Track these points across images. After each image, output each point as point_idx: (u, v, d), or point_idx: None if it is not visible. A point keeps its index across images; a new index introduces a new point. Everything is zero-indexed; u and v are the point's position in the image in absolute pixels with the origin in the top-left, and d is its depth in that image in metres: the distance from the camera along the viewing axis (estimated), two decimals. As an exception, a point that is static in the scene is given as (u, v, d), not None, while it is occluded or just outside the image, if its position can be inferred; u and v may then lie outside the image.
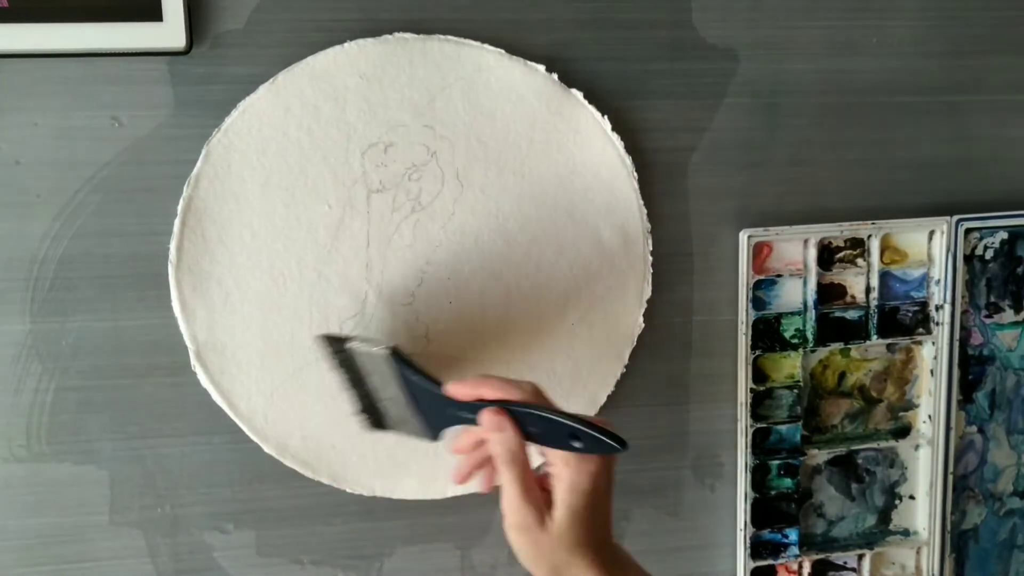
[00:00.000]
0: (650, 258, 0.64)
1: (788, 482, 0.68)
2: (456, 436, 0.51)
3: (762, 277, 0.66)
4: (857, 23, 0.65)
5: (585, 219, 0.62)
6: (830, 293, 0.67)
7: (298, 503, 0.62)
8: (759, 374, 0.67)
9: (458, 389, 0.49)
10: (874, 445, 0.69)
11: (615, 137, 0.62)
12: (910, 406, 0.70)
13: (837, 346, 0.67)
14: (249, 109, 0.58)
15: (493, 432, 0.48)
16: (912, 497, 0.71)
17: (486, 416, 0.48)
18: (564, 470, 0.47)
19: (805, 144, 0.66)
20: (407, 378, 0.52)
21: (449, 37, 0.60)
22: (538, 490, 0.47)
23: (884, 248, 0.67)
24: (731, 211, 0.65)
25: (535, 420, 0.47)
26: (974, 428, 0.71)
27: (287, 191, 0.59)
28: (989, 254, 0.69)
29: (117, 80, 0.57)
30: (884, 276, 0.67)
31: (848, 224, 0.66)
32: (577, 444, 0.46)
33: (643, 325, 0.64)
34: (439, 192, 0.61)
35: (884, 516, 0.71)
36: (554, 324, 0.63)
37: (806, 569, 0.69)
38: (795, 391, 0.67)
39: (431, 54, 0.60)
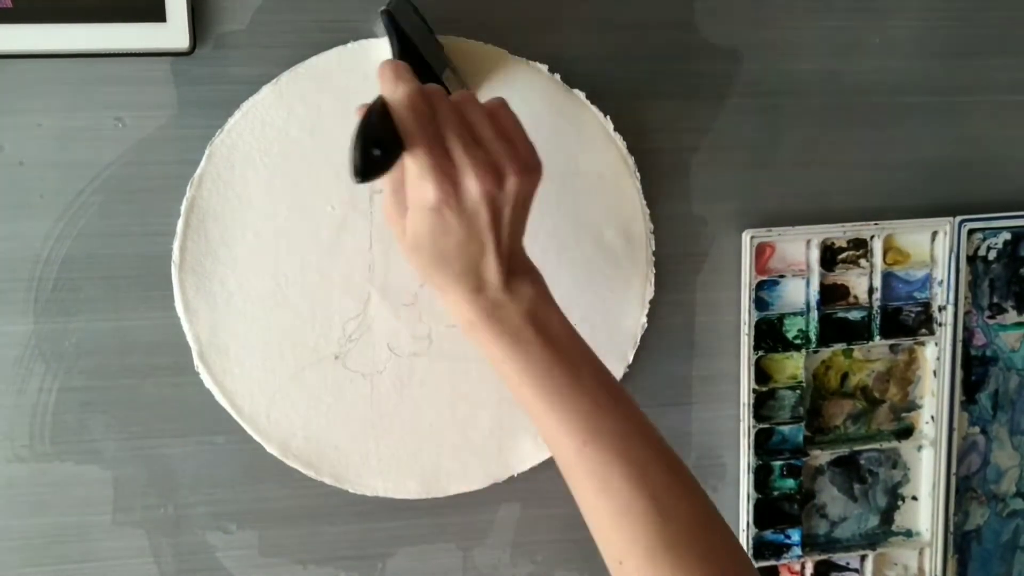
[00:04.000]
0: (652, 258, 0.64)
1: (790, 483, 0.68)
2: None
3: (765, 278, 0.66)
4: (860, 23, 0.65)
5: (587, 219, 0.62)
6: (833, 294, 0.67)
7: (301, 503, 0.62)
8: (761, 375, 0.67)
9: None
10: (877, 446, 0.69)
11: (618, 137, 0.62)
12: (913, 407, 0.70)
13: (840, 347, 0.67)
14: (252, 109, 0.58)
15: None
16: (915, 498, 0.71)
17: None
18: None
19: (808, 145, 0.66)
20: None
21: (451, 37, 0.60)
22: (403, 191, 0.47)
23: (887, 249, 0.67)
24: (734, 212, 0.65)
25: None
26: (977, 429, 0.71)
27: (290, 192, 0.59)
28: (992, 255, 0.69)
29: (120, 81, 0.57)
30: (887, 277, 0.67)
31: (851, 225, 0.66)
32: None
33: (646, 325, 0.64)
34: (442, 192, 0.60)
35: (887, 517, 0.71)
36: (556, 324, 0.63)
37: (808, 570, 0.69)
38: (798, 392, 0.67)
39: (434, 55, 0.60)
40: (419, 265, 0.49)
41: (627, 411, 0.50)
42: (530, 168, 0.48)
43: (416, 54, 0.54)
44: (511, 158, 0.47)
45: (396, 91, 0.46)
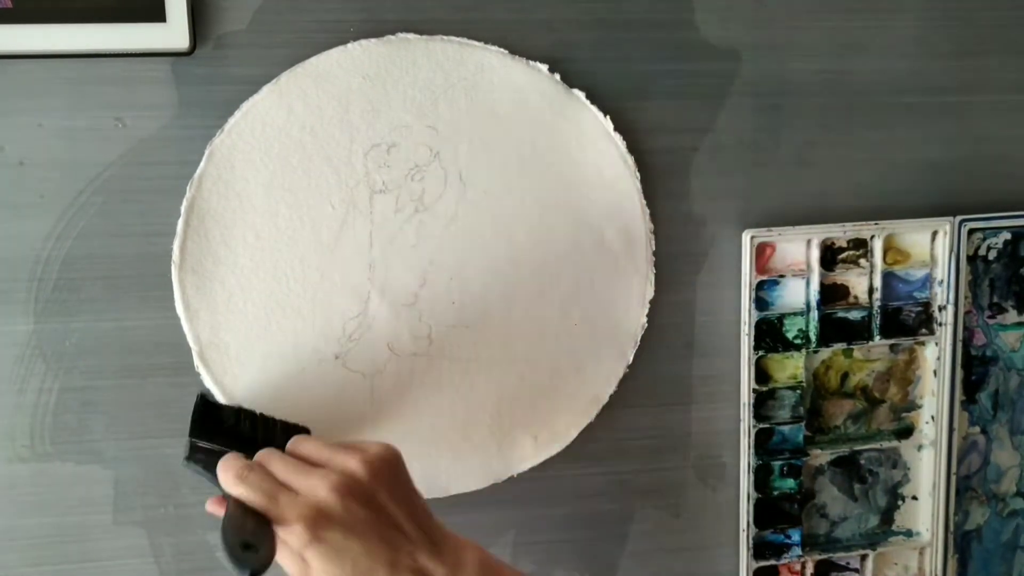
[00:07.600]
0: (653, 258, 0.64)
1: (791, 483, 0.68)
2: None
3: (765, 277, 0.66)
4: (860, 23, 0.65)
5: (588, 219, 0.62)
6: (833, 294, 0.67)
7: (301, 503, 0.62)
8: (762, 374, 0.67)
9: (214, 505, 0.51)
10: (877, 446, 0.69)
11: (617, 137, 0.62)
12: (913, 407, 0.70)
13: (840, 347, 0.67)
14: (252, 110, 0.58)
15: None
16: (915, 498, 0.71)
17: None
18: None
19: (808, 144, 0.66)
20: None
21: (452, 38, 0.60)
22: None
23: (887, 248, 0.67)
24: (734, 211, 0.65)
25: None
26: (977, 429, 0.71)
27: (290, 192, 0.59)
28: (992, 254, 0.69)
29: (121, 81, 0.57)
30: (887, 276, 0.67)
31: (851, 224, 0.66)
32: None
33: (646, 325, 0.64)
34: (442, 193, 0.61)
35: (887, 517, 0.71)
36: (557, 324, 0.63)
37: (809, 569, 0.69)
38: (798, 391, 0.67)
39: (434, 55, 0.60)
40: None
41: None
42: (372, 455, 0.48)
43: (242, 442, 0.53)
44: (347, 454, 0.48)
45: (226, 480, 0.47)
